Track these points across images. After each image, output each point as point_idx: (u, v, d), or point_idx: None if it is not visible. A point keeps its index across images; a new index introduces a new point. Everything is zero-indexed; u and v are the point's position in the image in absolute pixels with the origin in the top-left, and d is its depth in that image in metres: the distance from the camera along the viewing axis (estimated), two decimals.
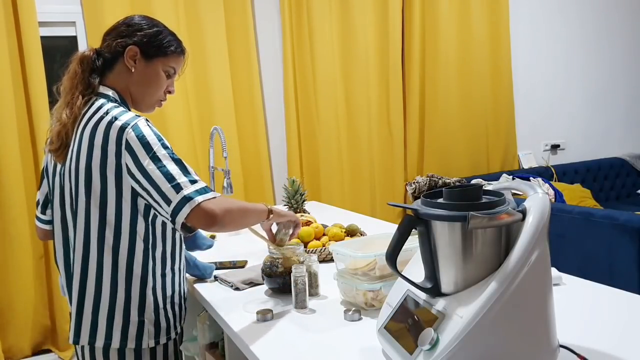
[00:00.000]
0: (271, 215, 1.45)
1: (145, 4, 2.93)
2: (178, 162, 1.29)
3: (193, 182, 1.27)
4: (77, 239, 1.35)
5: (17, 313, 2.92)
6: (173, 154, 1.30)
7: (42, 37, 2.79)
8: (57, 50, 2.89)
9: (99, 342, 1.35)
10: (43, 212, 1.56)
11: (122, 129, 1.29)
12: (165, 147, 1.30)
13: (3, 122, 2.71)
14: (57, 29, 2.98)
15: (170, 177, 1.25)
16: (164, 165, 1.27)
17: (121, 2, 2.87)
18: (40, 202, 1.57)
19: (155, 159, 1.27)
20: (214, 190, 1.30)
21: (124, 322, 1.35)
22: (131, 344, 1.36)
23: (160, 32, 1.44)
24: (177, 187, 1.25)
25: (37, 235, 1.62)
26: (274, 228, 1.56)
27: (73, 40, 3.01)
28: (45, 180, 1.53)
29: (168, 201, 1.25)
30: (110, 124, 1.30)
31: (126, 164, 1.28)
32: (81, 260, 1.35)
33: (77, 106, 1.37)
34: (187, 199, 1.24)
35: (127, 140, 1.28)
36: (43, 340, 3.02)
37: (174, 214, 1.25)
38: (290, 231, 1.54)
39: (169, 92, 1.51)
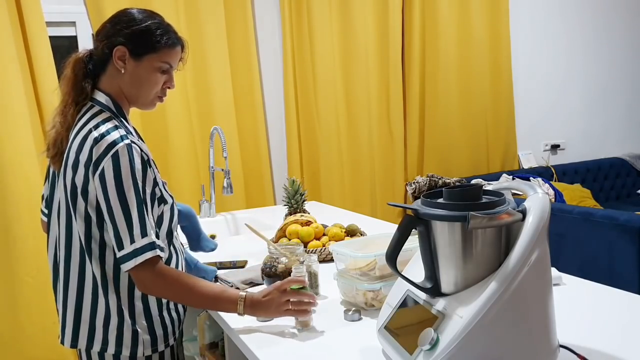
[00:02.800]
0: (242, 309, 1.32)
1: (145, 3, 2.93)
2: (140, 209, 1.27)
3: (144, 235, 1.26)
4: (73, 247, 1.35)
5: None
6: (139, 195, 1.27)
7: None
8: (57, 50, 2.88)
9: (96, 347, 1.35)
10: (47, 207, 1.57)
11: (105, 152, 1.26)
12: (135, 185, 1.27)
13: (16, 123, 2.70)
14: (57, 28, 2.98)
15: (130, 224, 1.25)
16: (128, 207, 1.25)
17: (123, 2, 2.87)
18: (45, 197, 1.57)
19: (122, 198, 1.25)
20: (159, 247, 1.28)
21: (118, 329, 1.35)
22: (126, 352, 1.35)
23: (148, 28, 1.35)
24: (132, 238, 1.25)
25: (42, 228, 1.62)
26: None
27: (73, 40, 3.01)
28: (48, 179, 1.54)
29: (120, 246, 1.26)
30: (96, 141, 1.28)
31: (96, 187, 1.27)
32: (78, 268, 1.35)
33: (70, 114, 1.35)
34: (134, 254, 1.25)
35: (103, 167, 1.25)
36: None
37: (122, 261, 1.26)
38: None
39: (168, 88, 1.44)
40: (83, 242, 1.32)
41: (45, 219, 1.58)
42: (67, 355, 2.83)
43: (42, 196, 1.59)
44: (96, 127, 1.30)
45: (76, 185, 1.30)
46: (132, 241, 1.25)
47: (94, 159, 1.27)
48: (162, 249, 1.29)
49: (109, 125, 1.31)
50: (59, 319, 1.41)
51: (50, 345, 2.77)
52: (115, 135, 1.28)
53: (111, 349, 1.35)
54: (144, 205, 1.28)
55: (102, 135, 1.28)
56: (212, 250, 1.78)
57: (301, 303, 1.31)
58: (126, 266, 1.26)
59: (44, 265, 2.72)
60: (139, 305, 1.36)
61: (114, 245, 1.27)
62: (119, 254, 1.26)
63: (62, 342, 1.40)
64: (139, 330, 1.36)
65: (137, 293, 1.36)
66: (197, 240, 1.71)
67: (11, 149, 2.70)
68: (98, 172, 1.26)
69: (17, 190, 2.71)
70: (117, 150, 1.26)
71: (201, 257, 1.83)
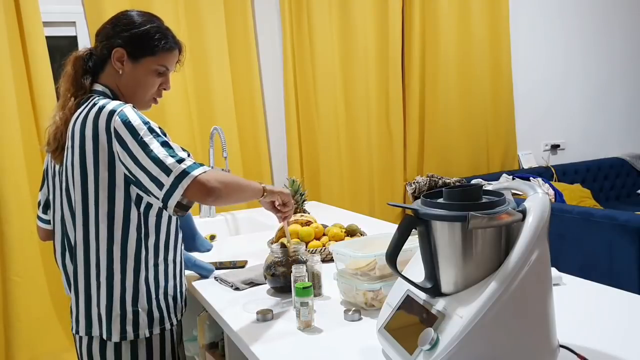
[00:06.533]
0: (265, 194, 1.46)
1: (145, 4, 2.93)
2: (165, 145, 1.29)
3: (181, 161, 1.27)
4: (77, 235, 1.36)
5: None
6: (159, 136, 1.30)
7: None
8: (57, 50, 2.88)
9: (105, 335, 1.37)
10: (45, 212, 1.57)
11: (110, 116, 1.29)
12: (151, 130, 1.29)
13: (5, 126, 2.70)
14: (56, 28, 2.98)
15: (158, 161, 1.26)
16: (151, 150, 1.26)
17: (122, 2, 2.88)
18: (42, 203, 1.58)
19: (142, 144, 1.27)
20: (204, 165, 1.31)
21: (121, 313, 1.36)
22: (130, 336, 1.37)
23: (147, 31, 1.40)
24: (167, 170, 1.25)
25: (38, 235, 1.63)
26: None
27: (73, 40, 3.01)
28: (46, 181, 1.53)
29: (160, 185, 1.26)
30: (98, 113, 1.30)
31: (117, 152, 1.28)
32: (83, 255, 1.36)
33: (68, 108, 1.38)
34: (179, 178, 1.25)
35: (114, 127, 1.28)
36: None
37: (166, 197, 1.26)
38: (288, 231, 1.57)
39: (164, 89, 1.48)
40: (94, 224, 1.32)
41: (44, 225, 1.58)
42: (54, 350, 2.87)
43: (39, 202, 1.58)
44: (94, 104, 1.33)
45: (85, 161, 1.30)
46: (169, 172, 1.25)
47: (102, 128, 1.28)
48: (202, 165, 1.30)
49: (106, 100, 1.35)
50: (73, 311, 1.42)
51: (35, 341, 2.81)
52: (115, 103, 1.32)
53: (115, 336, 1.36)
54: (168, 142, 1.29)
55: (103, 107, 1.31)
56: (207, 250, 1.79)
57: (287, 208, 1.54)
58: (175, 197, 1.25)
59: (31, 265, 2.80)
60: (142, 285, 1.37)
61: (152, 190, 1.27)
62: (161, 194, 1.26)
63: (78, 331, 1.41)
64: (139, 310, 1.37)
65: (142, 274, 1.37)
66: (192, 240, 1.72)
67: (0, 151, 2.71)
68: (113, 135, 1.28)
69: (6, 192, 2.72)
70: (122, 110, 1.30)
71: (203, 258, 1.83)
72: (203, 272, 1.74)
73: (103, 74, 1.42)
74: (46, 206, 1.56)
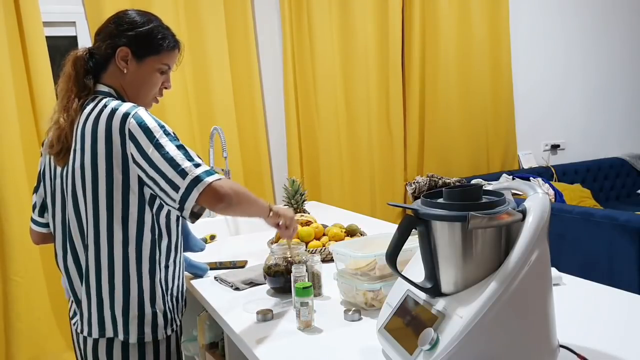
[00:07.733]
0: (271, 213, 1.46)
1: (145, 3, 2.93)
2: (181, 148, 1.30)
3: (197, 165, 1.28)
4: (88, 237, 1.34)
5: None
6: (175, 139, 1.30)
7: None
8: (57, 51, 2.88)
9: (123, 336, 1.36)
10: (41, 215, 1.54)
11: (124, 118, 1.29)
12: (167, 133, 1.30)
13: (5, 127, 2.70)
14: (56, 29, 2.98)
15: (174, 164, 1.26)
16: (167, 152, 1.27)
17: (123, 2, 2.88)
18: (38, 206, 1.54)
19: (158, 146, 1.27)
20: (218, 173, 1.31)
21: (139, 314, 1.36)
22: (148, 337, 1.37)
23: (151, 31, 1.41)
24: (183, 173, 1.26)
25: (31, 238, 1.59)
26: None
27: (73, 40, 3.01)
28: (42, 184, 1.50)
29: (176, 188, 1.26)
30: (111, 115, 1.30)
31: (131, 154, 1.28)
32: (94, 257, 1.34)
33: (73, 109, 1.37)
34: (194, 182, 1.25)
35: (129, 129, 1.28)
36: None
37: (183, 200, 1.26)
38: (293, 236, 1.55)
39: (165, 88, 1.49)
40: (105, 226, 1.32)
41: (39, 228, 1.55)
42: (54, 350, 2.88)
43: (34, 205, 1.55)
44: (106, 105, 1.33)
45: (97, 163, 1.30)
46: (185, 175, 1.25)
47: (115, 129, 1.28)
48: (217, 172, 1.30)
49: (117, 101, 1.35)
50: (83, 313, 1.40)
51: (35, 341, 2.82)
52: (128, 105, 1.33)
53: (133, 338, 1.36)
54: (183, 146, 1.30)
55: (115, 109, 1.31)
56: (201, 250, 1.79)
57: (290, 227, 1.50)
58: (191, 200, 1.25)
59: (31, 265, 2.81)
60: (158, 287, 1.37)
61: (169, 193, 1.27)
62: (177, 196, 1.26)
63: (90, 334, 1.39)
64: (157, 312, 1.37)
65: (157, 275, 1.37)
66: (185, 240, 1.72)
67: (0, 151, 2.71)
68: (127, 137, 1.28)
69: (6, 193, 2.72)
70: (136, 112, 1.30)
71: (203, 258, 1.83)
72: (198, 272, 1.75)
73: (106, 74, 1.41)
74: (42, 209, 1.53)
